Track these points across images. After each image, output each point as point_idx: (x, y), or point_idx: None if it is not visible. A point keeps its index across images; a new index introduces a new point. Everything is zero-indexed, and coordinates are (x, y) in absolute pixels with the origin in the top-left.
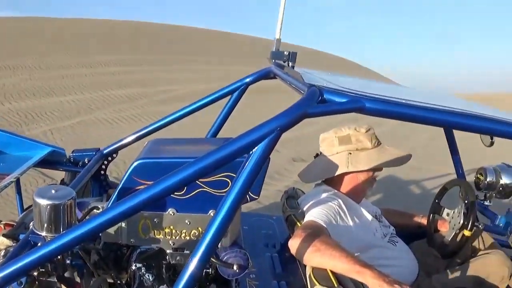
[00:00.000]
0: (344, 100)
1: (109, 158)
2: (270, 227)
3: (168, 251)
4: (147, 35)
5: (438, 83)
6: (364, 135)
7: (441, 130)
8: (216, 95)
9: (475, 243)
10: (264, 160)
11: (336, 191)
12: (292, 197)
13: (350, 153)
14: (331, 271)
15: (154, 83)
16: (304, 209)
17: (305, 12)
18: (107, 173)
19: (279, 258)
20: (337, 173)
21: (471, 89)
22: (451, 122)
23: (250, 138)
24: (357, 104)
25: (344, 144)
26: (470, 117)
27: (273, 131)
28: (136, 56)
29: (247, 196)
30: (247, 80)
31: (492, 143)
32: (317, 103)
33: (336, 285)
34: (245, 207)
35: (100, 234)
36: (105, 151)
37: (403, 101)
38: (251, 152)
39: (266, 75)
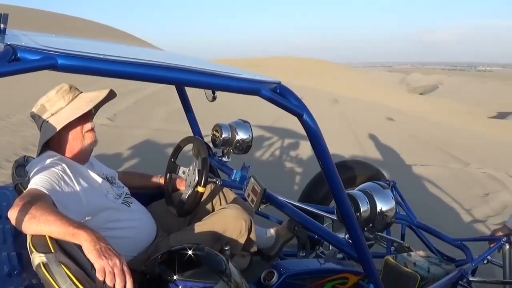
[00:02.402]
0: (37, 57)
1: None
2: (5, 198)
3: None
4: None
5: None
6: (55, 96)
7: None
8: None
9: (216, 199)
10: None
11: (60, 155)
12: (21, 166)
13: (47, 121)
14: (50, 237)
15: None
16: (30, 176)
17: None
18: None
19: (11, 230)
20: (43, 142)
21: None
22: (156, 76)
23: None
24: (50, 61)
25: (42, 114)
26: (180, 71)
27: None
28: None
29: None
30: None
31: (214, 98)
32: (9, 62)
33: (53, 251)
34: None
35: None
36: None
37: (102, 56)
38: None
39: None
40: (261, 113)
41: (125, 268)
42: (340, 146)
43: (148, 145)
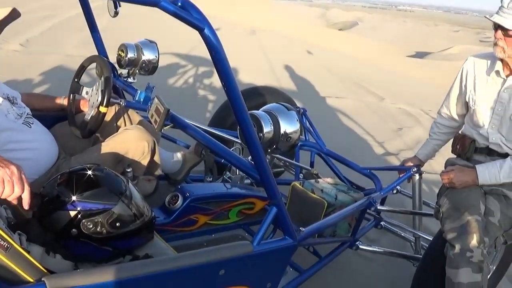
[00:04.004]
0: None
1: None
2: None
3: None
4: None
5: None
6: None
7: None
8: None
9: (121, 121)
10: None
11: None
12: None
13: None
14: None
15: None
16: None
17: None
18: None
19: None
20: None
21: None
22: None
23: None
24: None
25: None
26: None
27: None
28: None
29: None
30: None
31: (116, 13)
32: None
33: None
34: None
35: None
36: None
37: None
38: None
39: None
40: (177, 40)
41: (23, 176)
42: (255, 76)
43: (60, 71)
